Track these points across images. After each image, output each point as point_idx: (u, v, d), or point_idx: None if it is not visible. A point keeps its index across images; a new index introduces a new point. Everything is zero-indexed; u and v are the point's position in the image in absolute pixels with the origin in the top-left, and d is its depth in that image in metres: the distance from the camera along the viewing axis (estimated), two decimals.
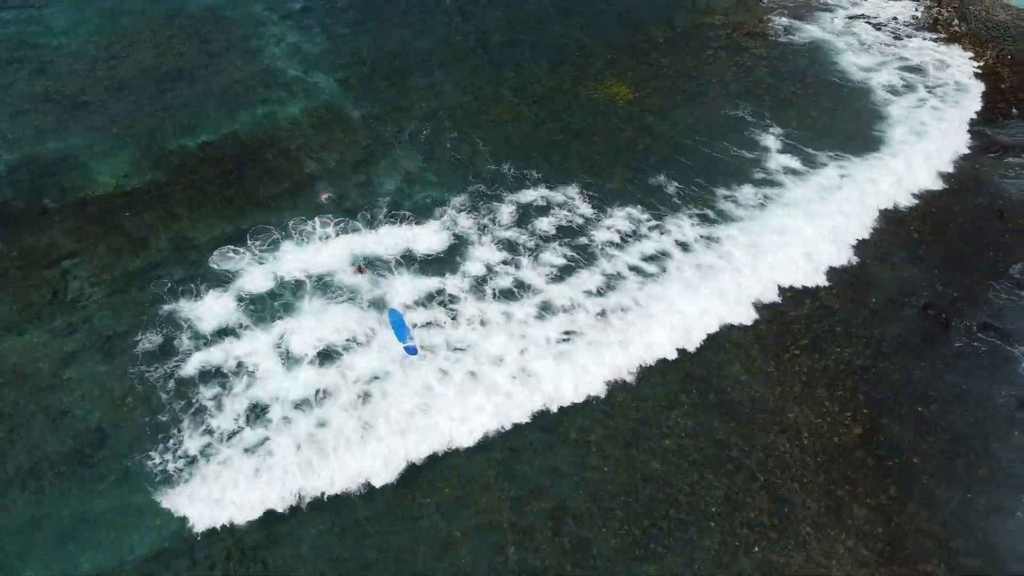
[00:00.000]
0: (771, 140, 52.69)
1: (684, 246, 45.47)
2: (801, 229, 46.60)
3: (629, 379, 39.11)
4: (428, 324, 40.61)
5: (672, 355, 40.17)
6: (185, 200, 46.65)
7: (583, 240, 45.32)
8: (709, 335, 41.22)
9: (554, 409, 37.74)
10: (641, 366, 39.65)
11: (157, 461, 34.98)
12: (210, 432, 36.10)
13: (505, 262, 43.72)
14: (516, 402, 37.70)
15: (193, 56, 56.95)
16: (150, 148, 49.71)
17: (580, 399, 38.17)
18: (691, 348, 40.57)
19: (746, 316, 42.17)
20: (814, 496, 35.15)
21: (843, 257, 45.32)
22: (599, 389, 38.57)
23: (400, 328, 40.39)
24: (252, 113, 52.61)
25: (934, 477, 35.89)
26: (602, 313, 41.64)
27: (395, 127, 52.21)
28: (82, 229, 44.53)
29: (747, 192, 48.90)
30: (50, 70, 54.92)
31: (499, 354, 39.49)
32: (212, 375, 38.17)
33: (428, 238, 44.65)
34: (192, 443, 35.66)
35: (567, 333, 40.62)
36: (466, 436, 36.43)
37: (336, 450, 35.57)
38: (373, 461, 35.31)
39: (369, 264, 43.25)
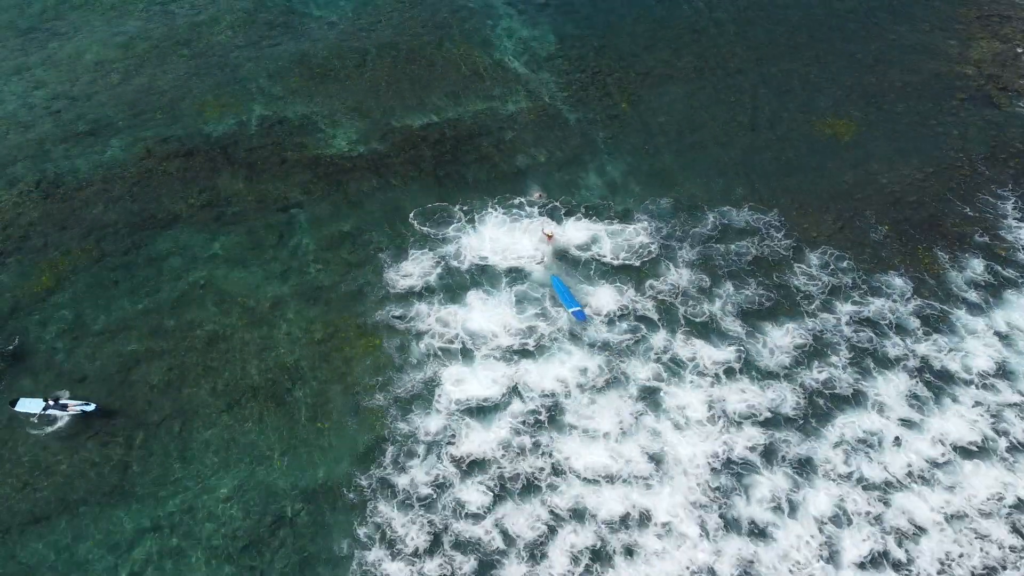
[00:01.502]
0: (1010, 209, 47.89)
1: (896, 314, 42.12)
2: None
3: None
4: (615, 345, 40.67)
5: None
6: (402, 173, 49.95)
7: (780, 280, 43.69)
8: None
9: None
10: None
11: (342, 406, 38.22)
12: (392, 395, 38.52)
13: (700, 289, 42.98)
14: None
15: (430, 40, 60.51)
16: (379, 121, 53.61)
17: None
18: None
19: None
20: None
21: None
22: None
23: (565, 295, 41.90)
24: (475, 101, 55.23)
25: None
26: (808, 397, 38.48)
27: (607, 134, 52.80)
28: (311, 185, 48.96)
29: (976, 266, 44.72)
30: (307, 37, 60.62)
31: (693, 416, 37.45)
32: (401, 335, 40.84)
33: (622, 245, 44.91)
34: (373, 401, 38.35)
35: (765, 428, 37.58)
36: None
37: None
38: None
39: (561, 259, 44.25)
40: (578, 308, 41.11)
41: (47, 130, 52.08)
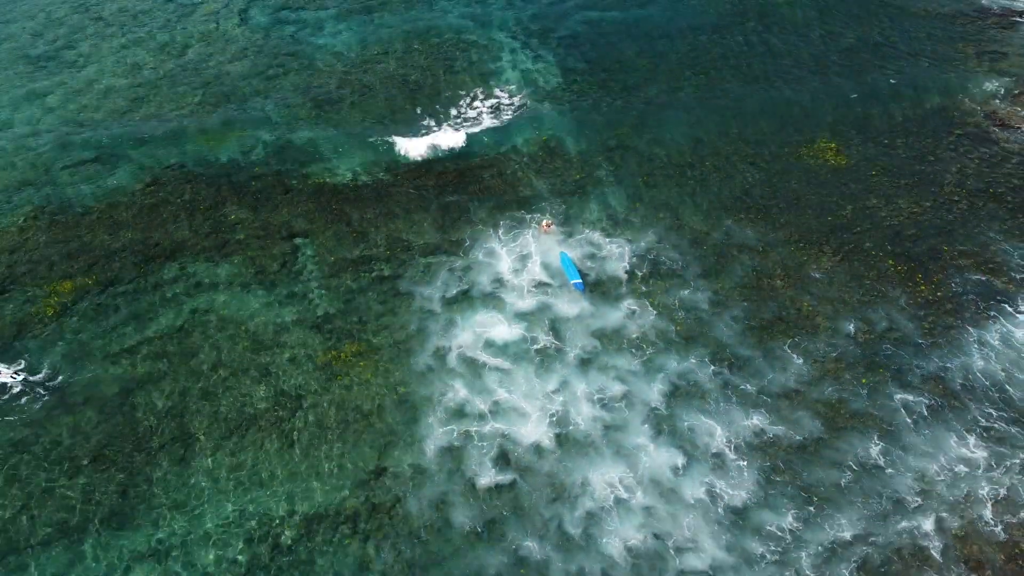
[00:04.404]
0: (1009, 242, 48.20)
1: (898, 343, 42.48)
2: None
3: None
4: (626, 366, 40.92)
5: None
6: (405, 202, 50.45)
7: (785, 308, 44.12)
8: None
9: None
10: None
11: (343, 432, 38.06)
12: (394, 421, 38.45)
13: (710, 306, 43.88)
14: None
15: (434, 71, 61.54)
16: (383, 150, 54.33)
17: None
18: None
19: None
20: None
21: None
22: None
23: (570, 268, 44.42)
24: (478, 133, 55.93)
25: None
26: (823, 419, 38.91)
27: (609, 166, 53.38)
28: (315, 213, 49.45)
29: (976, 297, 44.78)
30: (313, 67, 61.65)
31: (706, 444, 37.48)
32: (404, 362, 40.76)
33: (635, 270, 45.71)
34: (374, 426, 38.22)
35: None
36: None
37: None
38: None
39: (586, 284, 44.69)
40: (579, 280, 43.74)
41: (54, 156, 52.71)
